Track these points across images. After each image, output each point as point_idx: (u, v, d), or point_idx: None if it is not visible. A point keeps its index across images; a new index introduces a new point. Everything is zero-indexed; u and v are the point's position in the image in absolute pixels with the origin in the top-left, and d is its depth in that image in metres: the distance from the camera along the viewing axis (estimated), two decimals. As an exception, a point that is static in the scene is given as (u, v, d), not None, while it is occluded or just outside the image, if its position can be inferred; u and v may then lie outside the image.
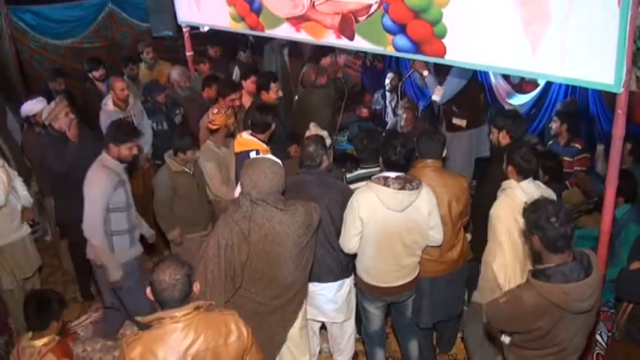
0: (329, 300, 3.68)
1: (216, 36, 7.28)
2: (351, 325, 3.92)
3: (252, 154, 4.03)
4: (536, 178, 3.44)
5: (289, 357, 3.42)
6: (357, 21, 3.94)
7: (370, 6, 3.80)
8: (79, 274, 5.14)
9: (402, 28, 3.68)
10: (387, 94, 7.08)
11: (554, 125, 5.20)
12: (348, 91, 6.63)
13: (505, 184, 3.38)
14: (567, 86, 6.41)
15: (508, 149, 3.56)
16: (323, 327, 4.07)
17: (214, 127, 4.60)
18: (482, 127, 5.56)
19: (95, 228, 3.92)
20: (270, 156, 3.37)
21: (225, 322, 2.47)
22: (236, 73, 6.82)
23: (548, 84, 6.81)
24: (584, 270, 2.52)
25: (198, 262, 2.93)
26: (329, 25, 4.15)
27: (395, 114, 6.76)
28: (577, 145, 5.08)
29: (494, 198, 3.40)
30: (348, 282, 3.72)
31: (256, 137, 4.24)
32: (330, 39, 4.20)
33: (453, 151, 5.25)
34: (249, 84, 5.60)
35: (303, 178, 3.61)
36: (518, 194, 3.28)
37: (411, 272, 3.52)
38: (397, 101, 6.79)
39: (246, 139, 4.23)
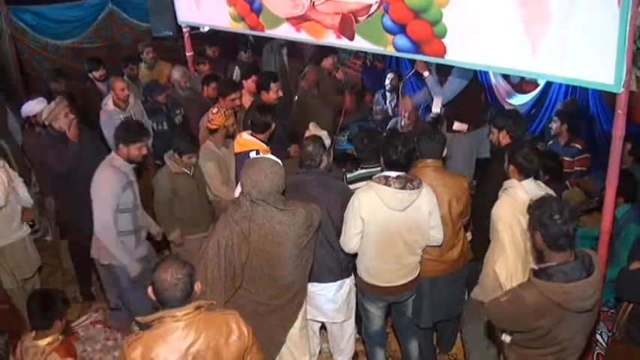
0: (329, 300, 3.68)
1: (216, 36, 7.29)
2: (351, 325, 3.92)
3: (252, 154, 4.03)
4: (537, 178, 3.44)
5: (289, 357, 3.42)
6: (357, 21, 3.94)
7: (370, 6, 3.80)
8: (79, 274, 5.14)
9: (402, 28, 3.68)
10: (388, 94, 7.08)
11: (555, 125, 5.20)
12: (348, 91, 6.65)
13: (507, 183, 3.38)
14: (567, 86, 6.41)
15: (508, 149, 3.56)
16: (323, 327, 4.07)
17: (213, 127, 4.60)
18: (484, 127, 5.56)
19: (108, 230, 3.90)
20: (270, 156, 3.36)
21: (227, 321, 2.47)
22: (236, 72, 6.82)
23: (549, 84, 6.81)
24: (586, 269, 2.52)
25: (198, 262, 2.93)
26: (329, 25, 4.15)
27: (395, 114, 6.77)
28: (577, 146, 5.09)
29: (494, 198, 3.40)
30: (348, 282, 3.72)
31: (256, 137, 4.24)
32: (330, 39, 4.21)
33: (454, 151, 5.24)
34: (249, 83, 5.60)
35: (302, 178, 3.62)
36: (520, 194, 3.28)
37: (412, 271, 3.52)
38: (397, 101, 6.80)
39: (245, 140, 4.23)
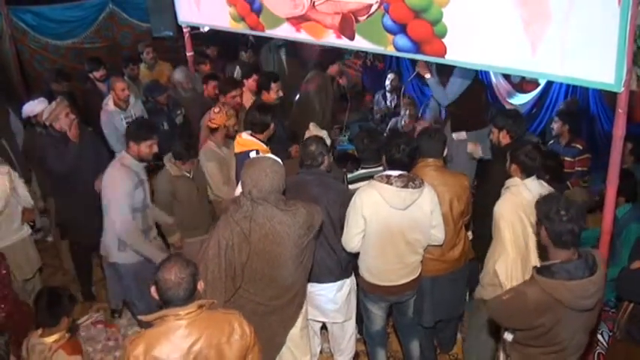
0: (329, 300, 3.68)
1: (216, 36, 7.29)
2: (351, 325, 3.92)
3: (252, 154, 4.03)
4: (539, 177, 3.44)
5: (290, 357, 3.42)
6: (357, 21, 3.94)
7: (370, 6, 3.80)
8: (80, 274, 5.15)
9: (402, 28, 3.67)
10: (388, 94, 7.08)
11: (556, 126, 5.20)
12: (348, 91, 6.65)
13: (509, 182, 3.38)
14: (568, 86, 6.41)
15: (508, 149, 3.56)
16: (324, 327, 4.07)
17: (213, 126, 4.60)
18: (486, 128, 5.54)
19: (128, 229, 3.88)
20: (270, 155, 3.37)
21: (229, 321, 2.48)
22: (237, 72, 6.83)
23: (549, 83, 6.81)
24: (589, 268, 2.53)
25: (198, 263, 2.92)
26: (329, 25, 4.15)
27: (395, 114, 6.77)
28: (578, 146, 5.08)
29: (495, 197, 3.40)
30: (348, 282, 3.72)
31: (256, 137, 4.24)
32: (331, 39, 4.20)
33: (457, 152, 5.24)
34: (250, 82, 5.61)
35: (303, 178, 3.62)
36: (522, 192, 3.28)
37: (414, 270, 3.52)
38: (397, 102, 6.81)
39: (245, 140, 4.23)
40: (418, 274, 3.55)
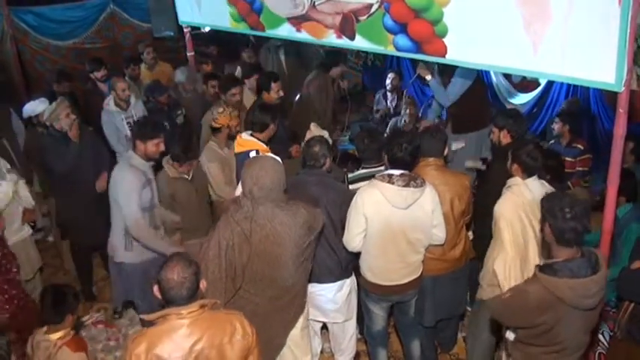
0: (329, 300, 3.68)
1: (217, 36, 7.31)
2: (352, 325, 3.92)
3: (252, 154, 4.03)
4: (540, 177, 3.44)
5: (290, 357, 3.42)
6: (357, 21, 3.94)
7: (371, 5, 3.80)
8: (81, 274, 5.15)
9: (402, 28, 3.68)
10: (388, 94, 7.08)
11: (557, 126, 5.19)
12: (349, 91, 6.66)
13: (511, 181, 3.38)
14: (568, 85, 6.41)
15: (509, 148, 3.56)
16: (324, 327, 4.07)
17: (216, 126, 4.59)
18: (487, 127, 5.54)
19: (139, 227, 3.85)
20: (270, 154, 3.38)
21: (231, 321, 2.48)
22: (238, 72, 6.83)
23: (550, 83, 6.81)
24: (592, 267, 2.53)
25: (199, 263, 2.93)
26: (330, 24, 4.15)
27: (396, 114, 6.78)
28: (579, 146, 5.08)
29: (495, 197, 3.39)
30: (349, 282, 3.72)
31: (256, 137, 4.24)
32: (331, 39, 4.21)
33: (459, 152, 5.23)
34: (251, 81, 5.61)
35: (303, 178, 3.62)
36: (524, 191, 3.28)
37: (416, 270, 3.52)
38: (398, 101, 6.81)
39: (245, 140, 4.23)
40: (420, 273, 3.54)
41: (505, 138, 3.92)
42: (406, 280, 3.49)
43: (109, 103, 5.36)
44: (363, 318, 3.91)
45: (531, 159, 3.31)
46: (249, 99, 5.39)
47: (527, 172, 3.33)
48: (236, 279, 3.05)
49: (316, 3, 4.15)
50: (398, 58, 7.90)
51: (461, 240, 3.67)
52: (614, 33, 2.72)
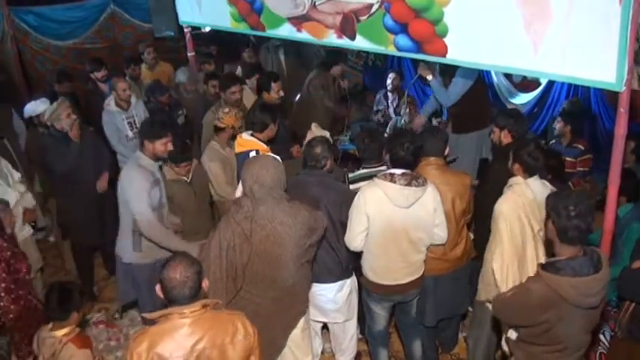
0: (329, 300, 3.68)
1: (217, 36, 7.31)
2: (353, 325, 3.92)
3: (252, 154, 4.03)
4: (541, 176, 3.44)
5: (291, 358, 3.42)
6: (358, 20, 3.94)
7: (371, 5, 3.80)
8: (82, 274, 5.15)
9: (403, 28, 3.67)
10: (389, 94, 7.08)
11: (558, 126, 5.19)
12: (350, 91, 6.67)
13: (512, 180, 3.37)
14: (569, 85, 6.40)
15: (510, 148, 3.55)
16: (325, 327, 4.07)
17: (221, 125, 4.58)
18: (488, 127, 5.54)
19: (151, 226, 3.82)
20: (269, 154, 3.38)
21: (232, 321, 2.48)
22: (238, 72, 6.83)
23: (551, 83, 6.80)
24: (594, 266, 2.53)
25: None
26: (330, 24, 4.15)
27: (397, 114, 6.77)
28: (580, 146, 5.07)
29: (495, 197, 3.39)
30: (349, 283, 3.72)
31: (256, 137, 4.24)
32: (332, 39, 4.21)
33: (460, 152, 5.24)
34: (252, 81, 5.62)
35: (303, 178, 3.62)
36: (525, 191, 3.28)
37: (418, 269, 3.52)
38: (399, 102, 6.80)
39: (246, 140, 4.24)
40: (422, 273, 3.54)
41: (506, 138, 3.91)
42: (408, 280, 3.49)
43: (110, 104, 5.36)
44: (363, 318, 3.91)
45: (532, 158, 3.30)
46: (250, 99, 5.39)
47: (529, 172, 3.33)
48: (237, 279, 3.05)
49: (317, 3, 4.15)
50: (399, 58, 7.90)
51: (462, 239, 3.67)
52: (614, 32, 2.72)
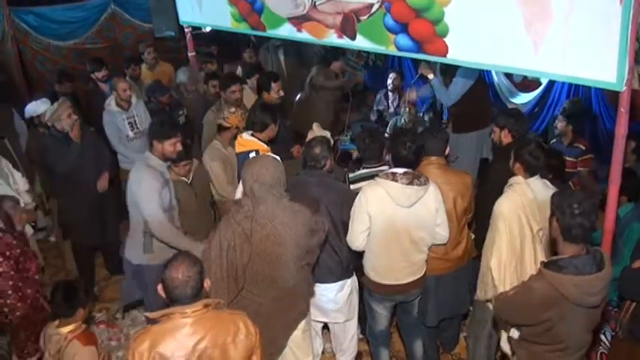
0: (330, 300, 3.69)
1: (218, 36, 7.30)
2: (353, 325, 3.92)
3: (252, 155, 4.03)
4: (542, 176, 3.44)
5: (292, 358, 3.42)
6: (358, 20, 3.94)
7: (372, 5, 3.80)
8: (82, 274, 5.16)
9: (403, 28, 3.67)
10: (390, 94, 7.08)
11: (560, 125, 5.18)
12: (351, 90, 6.65)
13: (513, 180, 3.37)
14: (570, 85, 6.40)
15: (510, 148, 3.55)
16: (326, 327, 4.07)
17: (226, 125, 4.56)
18: (488, 127, 5.53)
19: (162, 227, 3.80)
20: (270, 154, 3.39)
21: (234, 320, 2.49)
22: (239, 72, 6.83)
23: (551, 83, 6.80)
24: (597, 265, 2.54)
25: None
26: (331, 24, 4.15)
27: (397, 113, 6.77)
28: (581, 146, 5.06)
29: (496, 196, 3.39)
30: (350, 283, 3.72)
31: (256, 137, 4.24)
32: (332, 39, 4.21)
33: (460, 151, 5.23)
34: (253, 81, 5.62)
35: (303, 179, 3.62)
36: (525, 191, 3.27)
37: (420, 269, 3.52)
38: (399, 101, 6.80)
39: (246, 140, 4.24)
40: (423, 273, 3.54)
41: (506, 138, 3.91)
42: (410, 280, 3.49)
43: (110, 104, 5.36)
44: (364, 318, 3.91)
45: (533, 158, 3.30)
46: (250, 99, 5.39)
47: (530, 171, 3.33)
48: (238, 279, 3.06)
49: (317, 3, 4.15)
50: (399, 57, 7.89)
51: (463, 238, 3.67)
52: (615, 32, 2.72)
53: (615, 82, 2.83)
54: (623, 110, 2.93)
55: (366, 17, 3.88)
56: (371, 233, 3.36)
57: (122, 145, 5.34)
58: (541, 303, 2.57)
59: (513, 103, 7.29)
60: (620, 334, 3.41)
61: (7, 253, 3.64)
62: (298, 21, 4.38)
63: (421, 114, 6.56)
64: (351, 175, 3.96)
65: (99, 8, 8.61)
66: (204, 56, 6.75)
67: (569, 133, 5.12)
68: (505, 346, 3.17)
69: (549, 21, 2.97)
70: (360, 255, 3.57)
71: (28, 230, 4.53)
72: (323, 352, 4.21)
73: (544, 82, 6.96)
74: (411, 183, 3.24)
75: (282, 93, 5.03)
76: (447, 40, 3.49)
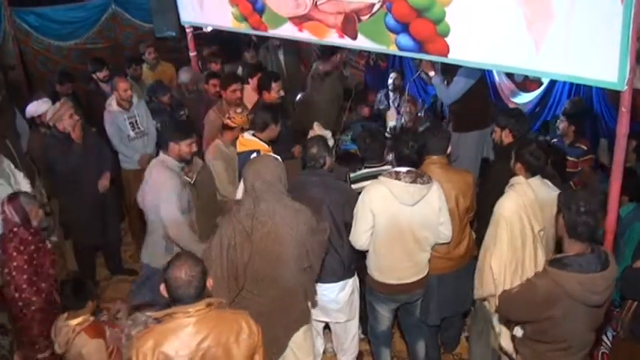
0: (331, 300, 3.69)
1: (219, 36, 7.30)
2: (354, 325, 3.92)
3: (254, 156, 4.03)
4: (544, 176, 3.44)
5: (293, 359, 3.42)
6: (359, 20, 3.94)
7: (373, 5, 3.80)
8: (84, 274, 5.15)
9: (404, 27, 3.67)
10: (390, 93, 7.08)
11: (562, 125, 5.18)
12: (353, 88, 6.67)
13: (514, 180, 3.37)
14: (571, 84, 6.39)
15: (511, 148, 3.55)
16: (327, 327, 4.07)
17: (232, 125, 4.56)
18: (489, 127, 5.53)
19: (180, 229, 3.82)
20: (270, 154, 3.40)
21: (237, 320, 2.49)
22: (240, 72, 6.83)
23: (552, 82, 6.79)
24: (601, 264, 2.55)
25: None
26: (332, 24, 4.15)
27: (398, 113, 6.77)
28: (582, 146, 5.06)
29: (497, 196, 3.39)
30: (351, 282, 3.72)
31: (257, 137, 4.24)
32: (333, 38, 4.20)
33: (461, 151, 5.23)
34: (254, 81, 5.62)
35: (305, 179, 3.62)
36: (526, 191, 3.27)
37: (424, 269, 3.52)
38: (400, 101, 6.80)
39: (247, 140, 4.24)
40: (427, 272, 3.55)
41: (507, 137, 3.91)
42: (414, 279, 3.49)
43: (112, 104, 5.36)
44: (366, 318, 3.91)
45: (535, 158, 3.31)
46: (252, 99, 5.39)
47: (531, 171, 3.33)
48: (238, 278, 3.06)
49: (318, 3, 4.15)
50: (400, 57, 7.89)
51: (465, 237, 3.68)
52: (616, 31, 2.72)
53: (616, 82, 2.83)
54: (625, 110, 2.93)
55: (367, 17, 3.88)
56: (374, 232, 3.37)
57: (123, 145, 5.34)
58: (544, 300, 2.57)
59: (514, 102, 7.28)
60: (622, 334, 3.40)
61: (22, 248, 3.69)
62: (299, 21, 4.38)
63: (422, 114, 6.56)
64: (352, 174, 3.96)
65: (100, 8, 8.61)
66: (209, 56, 6.75)
67: (570, 134, 5.12)
68: (505, 345, 3.18)
69: (550, 20, 2.97)
70: (361, 255, 3.57)
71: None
72: (324, 352, 4.20)
73: (545, 81, 6.96)
74: (414, 181, 3.24)
75: (282, 93, 5.03)
76: (448, 39, 3.49)
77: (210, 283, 2.46)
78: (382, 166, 3.82)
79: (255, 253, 3.03)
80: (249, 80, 5.71)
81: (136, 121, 5.35)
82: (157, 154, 5.34)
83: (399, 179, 3.25)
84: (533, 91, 7.23)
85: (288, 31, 4.54)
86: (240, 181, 3.85)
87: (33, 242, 3.75)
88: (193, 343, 2.34)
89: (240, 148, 4.27)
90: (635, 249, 3.65)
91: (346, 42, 4.14)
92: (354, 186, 3.81)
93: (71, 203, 4.86)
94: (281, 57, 7.41)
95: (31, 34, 8.14)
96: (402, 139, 3.40)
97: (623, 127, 2.97)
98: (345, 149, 6.11)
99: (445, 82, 5.22)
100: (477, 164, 5.47)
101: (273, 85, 4.95)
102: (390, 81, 7.02)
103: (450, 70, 5.19)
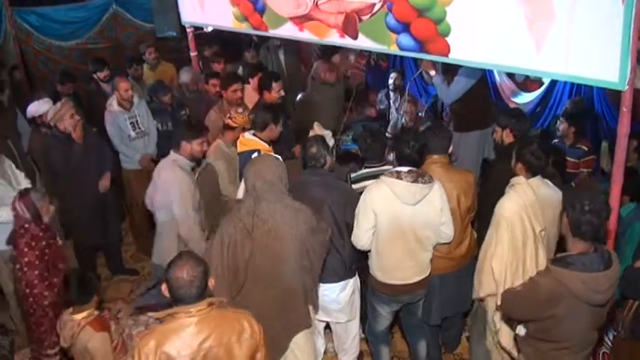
0: (332, 300, 3.68)
1: (220, 36, 7.30)
2: (355, 325, 3.92)
3: (255, 155, 4.03)
4: (545, 176, 3.44)
5: (293, 360, 3.42)
6: (360, 20, 3.94)
7: (374, 5, 3.80)
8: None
9: (405, 27, 3.67)
10: (391, 93, 7.08)
11: (562, 126, 5.18)
12: (354, 89, 6.67)
13: (514, 180, 3.37)
14: (572, 84, 6.39)
15: (512, 148, 3.55)
16: (328, 327, 4.07)
17: (233, 125, 4.56)
18: (490, 127, 5.53)
19: (192, 229, 3.86)
20: (271, 154, 3.41)
21: (239, 319, 2.49)
22: (240, 72, 6.83)
23: (553, 82, 6.79)
24: (605, 263, 2.55)
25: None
26: (332, 24, 4.15)
27: (398, 113, 6.78)
28: (583, 147, 5.06)
29: (498, 196, 3.39)
30: (352, 282, 3.72)
31: (258, 137, 4.24)
32: (334, 38, 4.20)
33: (461, 151, 5.23)
34: (255, 81, 5.62)
35: (306, 179, 3.62)
36: (527, 191, 3.27)
37: (426, 268, 3.52)
38: (400, 101, 6.81)
39: (248, 139, 4.24)
40: (429, 272, 3.54)
41: (508, 137, 3.91)
42: (416, 280, 3.49)
43: (112, 104, 5.36)
44: (366, 318, 3.91)
45: (535, 158, 3.30)
46: (253, 99, 5.40)
47: (531, 171, 3.33)
48: (239, 276, 3.06)
49: (319, 2, 4.15)
50: (401, 57, 7.89)
51: (466, 237, 3.68)
52: (617, 31, 2.72)
53: (617, 82, 2.83)
54: (625, 110, 2.93)
55: (367, 17, 3.88)
56: (376, 232, 3.37)
57: (124, 145, 5.35)
58: (547, 299, 2.57)
59: (515, 102, 7.28)
60: (622, 334, 3.40)
61: (33, 244, 3.72)
62: (300, 20, 4.38)
63: (422, 113, 6.56)
64: (353, 174, 3.96)
65: (101, 8, 8.63)
66: (212, 56, 6.76)
67: (570, 135, 5.12)
68: (505, 344, 3.18)
69: (551, 20, 2.97)
70: (362, 255, 3.57)
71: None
72: (325, 352, 4.20)
73: (546, 81, 6.96)
74: (415, 181, 3.24)
75: (282, 93, 5.03)
76: (448, 39, 3.49)
77: (211, 283, 2.46)
78: (382, 166, 3.82)
79: (256, 250, 3.04)
80: (250, 80, 5.71)
81: (137, 121, 5.35)
82: (158, 154, 5.39)
83: (401, 179, 3.25)
84: (534, 91, 7.23)
85: (288, 31, 4.54)
86: (241, 180, 3.85)
87: (44, 238, 3.78)
88: (195, 343, 2.34)
89: (240, 148, 4.27)
90: (635, 249, 3.65)
91: (347, 42, 4.14)
92: (354, 186, 3.81)
93: (72, 203, 4.86)
94: (281, 57, 7.41)
95: (32, 34, 8.15)
96: (403, 138, 3.40)
97: (624, 127, 2.97)
98: (346, 149, 6.11)
99: (446, 82, 5.21)
100: (477, 164, 5.47)
101: (274, 85, 4.96)
102: (390, 81, 7.03)
103: (450, 70, 5.18)
